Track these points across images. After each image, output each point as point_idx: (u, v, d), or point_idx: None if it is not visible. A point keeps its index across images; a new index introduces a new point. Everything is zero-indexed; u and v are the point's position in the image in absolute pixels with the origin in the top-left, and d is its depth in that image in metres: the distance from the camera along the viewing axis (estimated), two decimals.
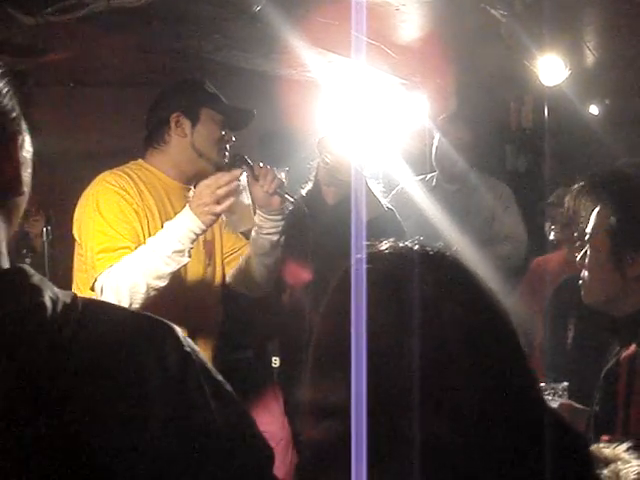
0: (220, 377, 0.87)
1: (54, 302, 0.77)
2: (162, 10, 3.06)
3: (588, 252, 1.76)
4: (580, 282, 1.80)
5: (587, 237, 1.76)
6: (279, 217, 2.61)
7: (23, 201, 0.84)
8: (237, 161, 2.63)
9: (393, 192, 3.86)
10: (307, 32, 3.43)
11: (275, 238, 2.62)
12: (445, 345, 0.97)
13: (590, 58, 4.82)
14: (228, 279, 2.75)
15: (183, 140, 2.55)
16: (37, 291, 0.77)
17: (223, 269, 2.72)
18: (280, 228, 2.63)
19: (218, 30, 3.50)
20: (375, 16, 3.76)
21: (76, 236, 2.42)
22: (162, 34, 3.45)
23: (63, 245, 3.11)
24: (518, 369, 1.00)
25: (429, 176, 4.02)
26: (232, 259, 2.75)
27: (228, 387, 0.87)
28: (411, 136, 4.66)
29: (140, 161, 2.59)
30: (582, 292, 1.80)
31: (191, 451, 0.76)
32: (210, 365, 0.87)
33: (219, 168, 2.61)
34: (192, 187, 2.61)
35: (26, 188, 0.83)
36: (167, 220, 2.43)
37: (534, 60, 4.49)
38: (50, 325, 0.75)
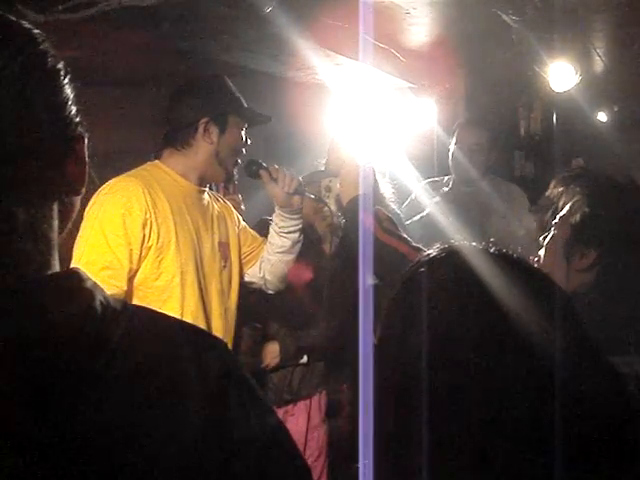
0: (262, 395, 0.87)
1: (104, 307, 0.77)
2: (172, 9, 3.07)
3: (549, 237, 1.83)
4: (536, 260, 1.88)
5: (554, 223, 1.82)
6: (299, 215, 2.70)
7: (78, 201, 0.85)
8: (254, 166, 2.66)
9: (408, 199, 3.88)
10: (316, 34, 3.43)
11: (297, 236, 2.71)
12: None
13: (600, 65, 4.82)
14: (246, 278, 2.77)
15: (209, 147, 2.52)
16: (89, 295, 0.77)
17: (240, 271, 2.71)
18: (301, 226, 2.72)
19: (227, 30, 3.50)
20: (385, 19, 3.76)
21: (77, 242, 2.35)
22: (172, 33, 3.45)
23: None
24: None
25: (446, 179, 4.03)
26: (251, 258, 2.77)
27: (271, 407, 0.87)
28: (419, 140, 4.66)
29: (157, 162, 2.55)
30: None
31: (226, 466, 0.76)
32: (253, 383, 0.86)
33: (229, 177, 2.64)
34: (206, 189, 2.61)
35: (84, 189, 0.85)
36: (182, 224, 2.44)
37: (544, 66, 4.49)
38: (98, 330, 0.76)
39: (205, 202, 2.60)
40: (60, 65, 0.82)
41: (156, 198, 2.40)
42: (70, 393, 0.71)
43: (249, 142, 2.64)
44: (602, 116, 6.06)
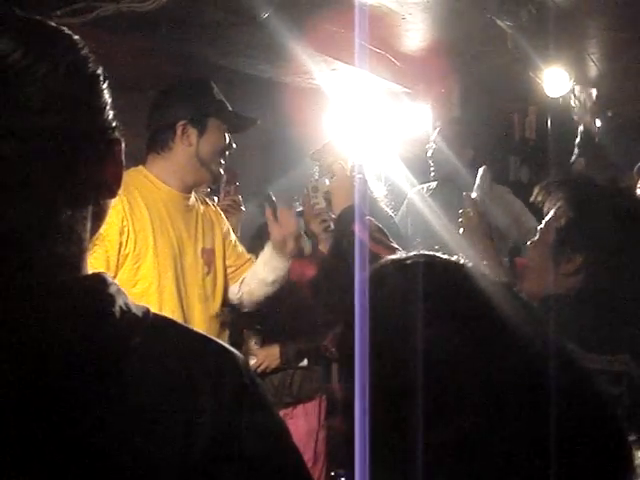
0: (276, 413, 0.88)
1: (124, 313, 0.79)
2: (170, 15, 3.09)
3: (535, 242, 1.85)
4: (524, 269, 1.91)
5: (539, 229, 1.85)
6: (288, 259, 2.67)
7: (111, 204, 0.87)
8: (265, 200, 2.67)
9: (403, 204, 3.90)
10: (313, 40, 3.45)
11: (280, 274, 2.69)
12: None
13: (594, 70, 4.85)
14: (228, 295, 2.75)
15: (188, 149, 2.51)
16: (110, 300, 0.79)
17: (225, 278, 2.69)
18: (287, 269, 2.69)
19: (225, 36, 3.52)
20: (381, 25, 3.78)
21: None
22: (170, 39, 3.47)
23: None
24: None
25: (432, 184, 4.05)
26: (233, 276, 2.75)
27: (284, 425, 0.87)
28: (414, 144, 4.68)
29: (141, 168, 2.54)
30: (524, 279, 1.91)
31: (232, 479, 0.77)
32: (269, 400, 0.87)
33: (216, 178, 2.63)
34: (191, 195, 2.60)
35: (119, 191, 0.86)
36: (161, 231, 2.43)
37: (539, 71, 4.52)
38: (115, 335, 0.77)
39: (190, 208, 2.58)
40: (100, 71, 0.84)
41: (134, 205, 2.40)
42: (84, 393, 0.73)
43: (234, 145, 2.62)
44: (596, 121, 6.08)
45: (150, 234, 2.40)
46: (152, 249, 2.40)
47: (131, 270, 2.36)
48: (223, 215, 2.79)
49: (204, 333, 0.89)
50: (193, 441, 0.75)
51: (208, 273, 2.58)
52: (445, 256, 1.11)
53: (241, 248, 2.81)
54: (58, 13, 2.86)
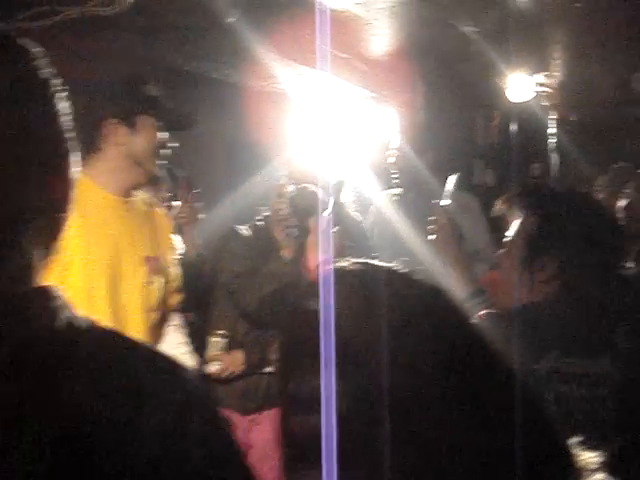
0: (226, 427, 0.85)
1: (68, 327, 0.78)
2: (135, 19, 3.07)
3: (502, 254, 1.86)
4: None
5: (506, 241, 1.85)
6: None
7: (65, 220, 0.84)
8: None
9: (369, 213, 3.90)
10: (279, 44, 3.46)
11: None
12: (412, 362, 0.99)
13: (557, 75, 4.91)
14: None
15: (118, 148, 2.37)
16: (51, 315, 0.77)
17: (165, 291, 2.52)
18: None
19: (190, 40, 3.51)
20: (347, 30, 3.80)
21: None
22: (134, 43, 3.45)
23: None
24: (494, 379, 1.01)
25: (396, 191, 4.06)
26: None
27: (232, 439, 0.86)
28: (380, 149, 4.70)
29: (80, 171, 2.37)
30: (493, 293, 1.92)
31: None
32: (217, 413, 0.85)
33: (152, 178, 2.48)
34: (131, 199, 2.43)
35: (71, 207, 0.84)
36: (96, 238, 2.31)
37: (502, 76, 4.57)
38: (58, 348, 0.76)
39: (131, 213, 2.45)
40: (53, 81, 0.82)
41: None
42: (21, 407, 0.72)
43: (175, 144, 2.49)
44: (560, 125, 6.16)
45: (79, 240, 2.27)
46: (82, 256, 2.29)
47: (59, 277, 2.18)
48: (173, 224, 2.70)
49: (151, 346, 0.88)
50: (137, 454, 0.75)
51: (151, 282, 2.45)
52: (381, 263, 1.11)
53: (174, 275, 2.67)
54: (20, 17, 2.83)
